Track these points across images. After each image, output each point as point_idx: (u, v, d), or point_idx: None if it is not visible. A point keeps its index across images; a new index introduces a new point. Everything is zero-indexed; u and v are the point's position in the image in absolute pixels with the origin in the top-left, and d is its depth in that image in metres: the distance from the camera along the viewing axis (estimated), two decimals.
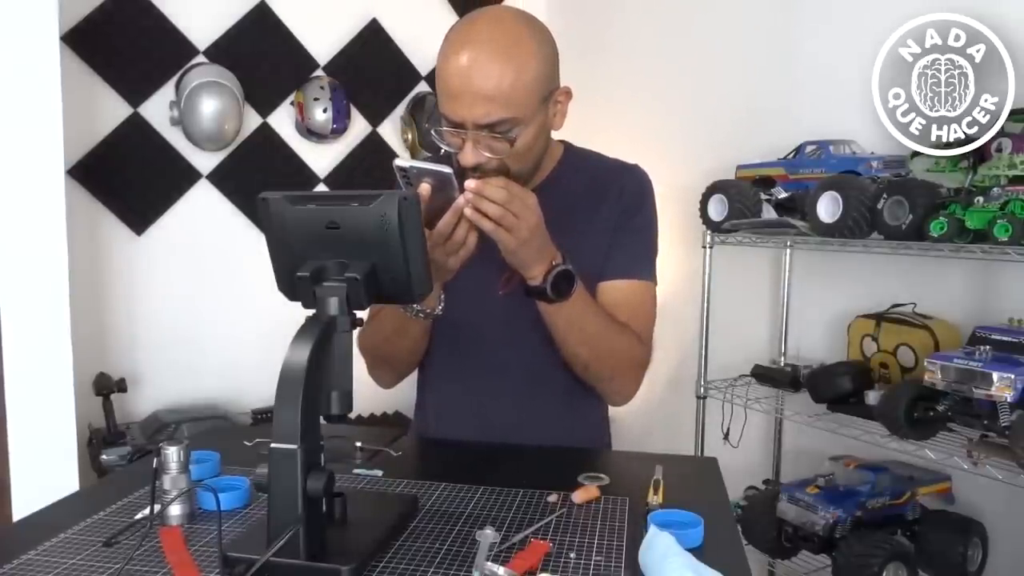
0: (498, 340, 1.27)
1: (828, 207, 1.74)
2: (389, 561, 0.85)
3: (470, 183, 1.01)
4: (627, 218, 1.27)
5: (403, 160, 1.04)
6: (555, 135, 1.25)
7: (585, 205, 1.26)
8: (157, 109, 2.49)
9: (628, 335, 1.22)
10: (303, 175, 2.76)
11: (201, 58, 2.55)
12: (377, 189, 0.89)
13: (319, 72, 2.75)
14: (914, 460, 1.71)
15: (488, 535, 0.87)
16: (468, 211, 1.02)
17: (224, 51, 2.57)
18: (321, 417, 0.85)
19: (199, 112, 2.44)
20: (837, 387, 1.82)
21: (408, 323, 1.19)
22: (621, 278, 1.25)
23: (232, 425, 2.35)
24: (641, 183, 1.30)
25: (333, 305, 0.86)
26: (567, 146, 1.33)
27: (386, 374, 1.34)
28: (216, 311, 2.61)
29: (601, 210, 1.27)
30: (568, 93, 1.19)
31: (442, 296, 1.16)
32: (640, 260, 1.28)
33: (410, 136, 2.90)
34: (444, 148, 1.16)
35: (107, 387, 2.31)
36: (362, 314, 0.90)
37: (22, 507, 1.89)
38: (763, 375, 2.11)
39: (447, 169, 1.00)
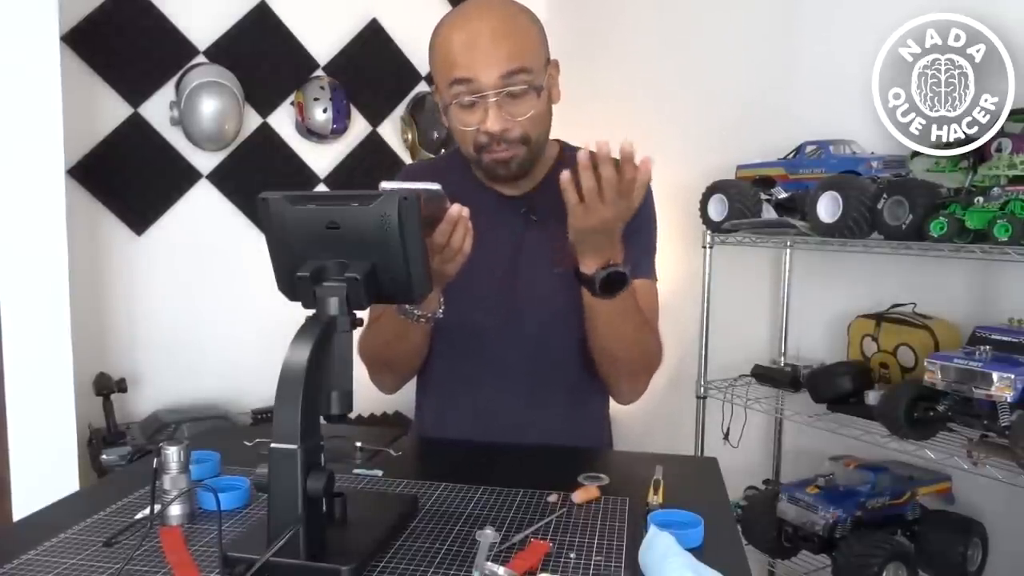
0: (499, 340, 1.26)
1: (828, 207, 1.74)
2: (389, 561, 0.85)
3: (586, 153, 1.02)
4: None
5: (389, 182, 1.03)
6: (552, 134, 1.26)
7: None
8: (157, 109, 2.50)
9: (655, 337, 1.25)
10: (303, 175, 2.76)
11: (201, 58, 2.55)
12: (377, 189, 0.89)
13: (319, 72, 2.75)
14: (914, 460, 1.71)
15: (488, 535, 0.87)
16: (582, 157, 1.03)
17: (224, 51, 2.58)
18: (321, 417, 0.85)
19: (199, 112, 2.44)
20: (837, 387, 1.82)
21: (409, 327, 1.18)
22: None
23: (232, 425, 2.35)
24: None
25: (333, 305, 0.86)
26: (563, 145, 1.34)
27: (388, 378, 1.33)
28: (216, 311, 2.61)
29: None
30: (557, 66, 1.23)
31: (442, 300, 1.16)
32: (642, 259, 1.28)
33: (410, 136, 2.89)
34: (454, 138, 1.18)
35: (107, 387, 2.32)
36: (362, 314, 0.90)
37: (22, 507, 1.89)
38: (763, 375, 2.11)
39: (435, 186, 1.00)
